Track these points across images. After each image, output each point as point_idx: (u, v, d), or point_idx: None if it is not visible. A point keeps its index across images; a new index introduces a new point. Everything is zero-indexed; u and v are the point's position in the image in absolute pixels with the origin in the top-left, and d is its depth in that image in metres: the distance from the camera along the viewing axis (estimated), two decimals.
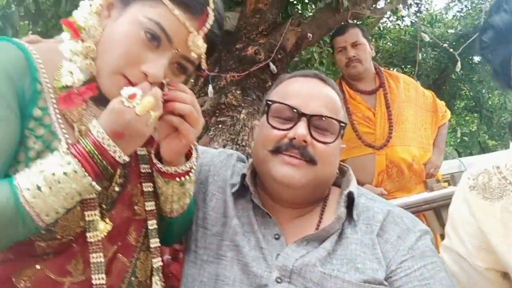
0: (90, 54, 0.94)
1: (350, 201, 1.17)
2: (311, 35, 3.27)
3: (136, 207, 1.06)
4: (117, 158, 0.89)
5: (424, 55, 8.84)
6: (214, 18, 0.97)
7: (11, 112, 0.86)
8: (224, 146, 2.85)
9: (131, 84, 0.91)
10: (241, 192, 1.22)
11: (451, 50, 3.67)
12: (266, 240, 1.13)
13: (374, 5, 3.45)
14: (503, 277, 1.21)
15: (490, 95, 10.92)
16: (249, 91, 3.12)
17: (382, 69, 2.93)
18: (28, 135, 0.89)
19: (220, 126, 2.93)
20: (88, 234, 0.94)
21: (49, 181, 0.83)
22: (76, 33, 0.94)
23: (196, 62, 0.99)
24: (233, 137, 2.90)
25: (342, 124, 1.18)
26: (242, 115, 2.96)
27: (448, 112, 3.00)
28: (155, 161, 1.05)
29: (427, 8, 11.04)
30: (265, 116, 1.19)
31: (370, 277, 1.04)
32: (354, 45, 2.79)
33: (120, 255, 1.02)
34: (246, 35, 3.24)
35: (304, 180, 1.11)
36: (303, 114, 1.13)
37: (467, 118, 10.38)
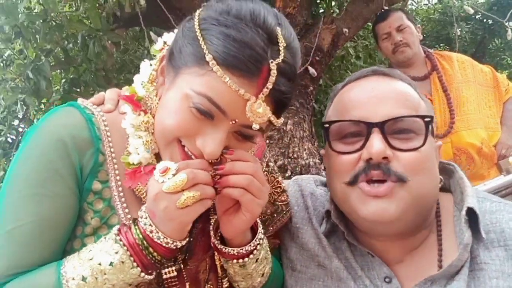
0: (151, 129, 0.86)
1: (472, 216, 0.93)
2: (347, 29, 3.10)
3: (207, 286, 0.96)
4: (169, 246, 0.81)
5: (459, 30, 8.48)
6: (280, 73, 0.80)
7: (67, 188, 0.84)
8: (275, 162, 2.69)
9: (185, 154, 0.83)
10: (330, 229, 1.04)
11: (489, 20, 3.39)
12: (375, 285, 0.94)
13: None
14: None
15: None
16: (292, 99, 2.96)
17: (432, 51, 2.74)
18: (87, 209, 0.87)
19: (268, 141, 2.78)
20: None
21: (95, 271, 0.79)
22: (136, 106, 0.89)
23: (263, 128, 0.85)
24: (283, 150, 2.75)
25: (427, 119, 0.94)
26: (288, 126, 2.80)
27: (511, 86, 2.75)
28: (213, 239, 0.93)
29: None
30: (327, 143, 1.00)
31: None
32: (399, 29, 2.66)
33: None
34: None
35: (401, 208, 0.90)
36: (373, 124, 0.92)
37: None
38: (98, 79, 3.42)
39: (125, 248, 0.80)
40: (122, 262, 0.79)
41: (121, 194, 0.88)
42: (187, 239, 0.86)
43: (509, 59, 10.75)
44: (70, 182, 0.85)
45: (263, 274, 0.98)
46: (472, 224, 0.92)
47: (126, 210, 0.88)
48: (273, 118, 0.83)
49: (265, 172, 1.06)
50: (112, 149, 0.89)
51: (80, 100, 0.94)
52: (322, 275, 1.00)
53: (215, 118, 0.80)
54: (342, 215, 1.01)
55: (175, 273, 0.90)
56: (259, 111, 0.79)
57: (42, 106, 3.54)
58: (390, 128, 0.92)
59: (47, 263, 0.83)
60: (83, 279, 0.79)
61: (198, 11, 0.85)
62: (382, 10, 2.97)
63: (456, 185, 1.01)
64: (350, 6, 3.17)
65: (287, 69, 0.81)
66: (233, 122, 0.80)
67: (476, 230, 0.92)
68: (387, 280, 0.94)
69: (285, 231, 1.10)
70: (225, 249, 0.91)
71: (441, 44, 9.67)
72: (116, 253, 0.80)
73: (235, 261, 0.92)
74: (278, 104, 0.83)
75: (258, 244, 0.93)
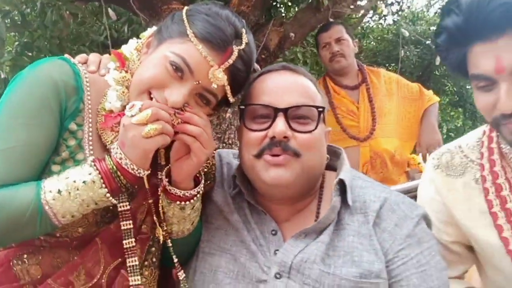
0: (126, 84, 1.05)
1: (344, 187, 1.16)
2: (293, 34, 3.37)
3: (143, 226, 1.12)
4: (134, 172, 0.98)
5: (407, 52, 8.95)
6: (239, 56, 1.04)
7: (53, 121, 1.01)
8: None
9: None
10: (237, 191, 1.24)
11: (434, 46, 3.76)
12: (264, 236, 1.16)
13: (354, 3, 3.55)
14: (468, 250, 1.30)
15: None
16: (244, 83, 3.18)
17: (365, 66, 3.04)
18: (61, 143, 1.03)
19: None
20: (124, 241, 1.05)
21: (69, 187, 0.95)
22: (123, 64, 1.09)
23: (219, 95, 1.06)
24: (220, 135, 2.99)
25: (320, 109, 1.16)
26: (228, 114, 3.04)
27: (435, 97, 3.06)
28: (164, 180, 1.09)
29: (408, 6, 11.23)
30: (241, 121, 1.19)
31: (366, 270, 1.06)
32: (338, 40, 2.90)
33: (123, 271, 1.08)
34: None
35: (293, 176, 1.10)
36: (279, 109, 1.11)
37: (452, 113, 10.55)
38: (52, 46, 3.51)
39: (97, 171, 0.96)
40: (93, 181, 0.95)
41: (90, 138, 1.05)
42: (149, 171, 1.01)
43: (450, 86, 11.40)
44: (57, 117, 1.00)
45: (192, 223, 1.15)
46: (342, 194, 1.15)
47: (91, 152, 1.04)
48: (228, 90, 1.05)
49: None
50: (89, 101, 1.06)
51: (68, 56, 1.10)
52: (225, 225, 1.22)
53: (184, 76, 1.00)
54: (246, 181, 1.23)
55: (128, 207, 1.05)
56: (219, 76, 1.01)
57: None
58: (292, 114, 1.12)
59: (29, 181, 0.97)
60: (59, 191, 0.94)
61: (186, 7, 1.09)
62: (327, 22, 3.24)
63: (340, 164, 1.26)
64: (300, 14, 3.46)
65: (245, 57, 1.06)
66: (197, 82, 1.01)
67: (345, 199, 1.15)
68: (273, 232, 1.16)
69: (206, 193, 1.29)
70: (173, 190, 1.08)
71: (392, 64, 10.06)
72: (90, 174, 0.96)
73: (177, 203, 1.08)
74: (234, 79, 1.06)
75: (198, 192, 1.10)
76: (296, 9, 3.82)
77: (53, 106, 1.00)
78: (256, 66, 3.22)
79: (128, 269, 1.06)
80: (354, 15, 4.52)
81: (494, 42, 0.99)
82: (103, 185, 0.96)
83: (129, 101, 1.04)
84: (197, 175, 1.12)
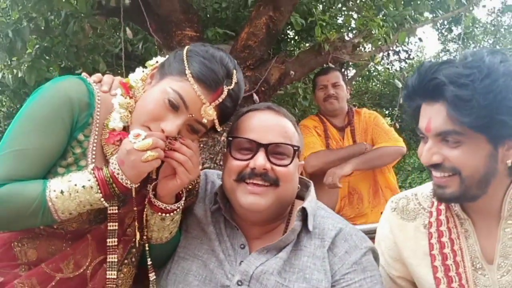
0: (130, 109, 1.23)
1: (306, 214, 1.32)
2: (293, 72, 3.62)
3: (128, 229, 1.27)
4: (126, 185, 1.14)
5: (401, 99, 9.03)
6: (228, 95, 1.20)
7: (64, 131, 1.16)
8: (203, 164, 3.12)
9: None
10: (216, 207, 1.41)
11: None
12: (233, 248, 1.33)
13: (353, 52, 3.81)
14: (412, 285, 1.46)
15: None
16: (232, 117, 3.39)
17: (354, 108, 3.27)
18: (68, 150, 1.19)
19: (201, 145, 3.21)
20: (108, 240, 1.21)
21: (70, 189, 1.11)
22: (127, 91, 1.26)
23: (208, 126, 1.22)
24: (212, 156, 3.18)
25: (296, 148, 1.32)
26: (222, 138, 3.24)
27: (398, 143, 3.08)
28: (150, 193, 1.25)
29: (417, 55, 11.48)
30: (228, 149, 1.33)
31: (314, 286, 1.23)
32: (335, 85, 3.15)
33: (106, 265, 1.22)
34: None
35: (268, 204, 1.27)
36: (261, 145, 1.27)
37: None
38: (69, 53, 3.72)
39: (95, 178, 1.12)
40: (91, 187, 1.12)
41: (94, 148, 1.20)
42: (137, 184, 1.17)
43: None
44: (68, 128, 1.16)
45: (171, 232, 1.30)
46: (304, 220, 1.32)
47: (93, 160, 1.19)
48: (217, 122, 1.21)
49: None
50: (98, 117, 1.21)
51: (84, 75, 1.27)
52: (201, 235, 1.36)
53: (179, 110, 1.16)
54: (225, 198, 1.36)
55: (116, 211, 1.21)
56: (209, 112, 1.17)
57: (11, 63, 3.79)
58: (271, 150, 1.28)
59: (36, 179, 1.13)
60: (61, 192, 1.10)
61: (187, 47, 1.25)
62: (326, 66, 3.49)
63: (307, 195, 1.40)
64: (302, 54, 3.72)
65: (233, 95, 1.22)
66: (191, 115, 1.16)
67: (306, 225, 1.31)
68: (241, 246, 1.32)
69: (188, 206, 1.46)
70: (157, 202, 1.23)
71: (396, 108, 10.19)
72: (89, 180, 1.12)
73: (159, 214, 1.24)
74: (222, 113, 1.22)
75: (178, 207, 1.26)
76: (299, 49, 4.06)
77: (65, 118, 1.16)
78: (255, 97, 3.47)
79: (108, 264, 1.21)
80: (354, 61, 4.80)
81: (431, 106, 1.18)
82: (99, 191, 1.13)
83: (130, 123, 1.21)
84: (180, 192, 1.28)
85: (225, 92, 1.20)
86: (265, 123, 1.33)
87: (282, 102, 5.22)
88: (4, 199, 1.08)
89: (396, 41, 3.85)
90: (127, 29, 3.39)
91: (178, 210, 1.27)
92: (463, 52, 1.29)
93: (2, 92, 5.17)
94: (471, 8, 5.67)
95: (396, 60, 8.59)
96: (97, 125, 1.21)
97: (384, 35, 3.66)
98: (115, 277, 1.21)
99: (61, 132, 1.16)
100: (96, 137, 1.21)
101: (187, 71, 1.17)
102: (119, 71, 3.71)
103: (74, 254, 1.19)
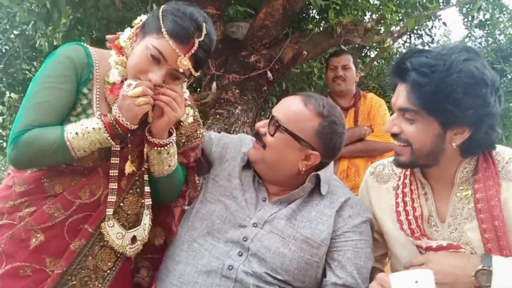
0: (123, 64, 1.44)
1: (319, 180, 1.55)
2: (306, 52, 3.82)
3: (133, 164, 1.46)
4: (127, 126, 1.35)
5: None
6: (199, 46, 1.37)
7: (72, 86, 1.40)
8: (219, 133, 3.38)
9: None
10: (249, 165, 1.65)
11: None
12: (257, 199, 1.58)
13: (364, 35, 3.98)
14: (383, 238, 1.70)
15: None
16: (247, 91, 3.68)
17: (362, 92, 3.46)
18: (77, 102, 1.43)
19: (217, 117, 3.49)
20: (110, 171, 1.41)
21: (83, 131, 1.34)
22: (119, 51, 1.47)
23: (187, 73, 1.41)
24: (227, 127, 3.45)
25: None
26: (237, 111, 3.51)
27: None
28: (146, 134, 1.44)
29: (443, 40, 11.23)
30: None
31: (316, 234, 1.46)
32: (344, 67, 3.33)
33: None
34: (252, 45, 3.78)
35: (256, 158, 1.56)
36: (273, 117, 1.54)
37: None
38: (100, 25, 4.00)
39: (102, 122, 1.34)
40: (99, 128, 1.33)
41: (97, 98, 1.43)
42: (136, 125, 1.37)
43: None
44: (74, 84, 1.39)
45: (169, 165, 1.49)
46: (317, 184, 1.56)
47: (98, 108, 1.42)
48: (192, 70, 1.39)
49: (194, 118, 1.63)
50: (97, 73, 1.43)
51: (83, 43, 1.50)
52: (226, 185, 1.60)
53: (160, 63, 1.35)
54: None
55: (119, 148, 1.42)
56: (184, 63, 1.35)
57: (47, 32, 4.10)
58: (273, 122, 1.55)
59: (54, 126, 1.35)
60: (76, 133, 1.32)
61: (162, 6, 1.40)
62: (339, 48, 3.67)
63: (325, 167, 1.60)
64: (315, 36, 3.91)
65: (204, 46, 1.38)
66: (169, 66, 1.35)
67: (319, 189, 1.55)
68: (263, 199, 1.57)
69: (218, 161, 1.70)
70: (152, 139, 1.42)
71: None
72: (97, 123, 1.34)
73: (155, 148, 1.43)
74: (196, 63, 1.39)
75: (170, 142, 1.44)
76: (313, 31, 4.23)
77: (71, 75, 1.39)
78: (269, 74, 3.71)
79: (109, 190, 1.42)
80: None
81: (400, 85, 1.38)
82: (106, 131, 1.34)
83: (126, 76, 1.42)
84: (170, 130, 1.46)
85: (197, 44, 1.37)
86: (286, 103, 1.60)
87: (298, 80, 5.41)
88: (30, 140, 1.31)
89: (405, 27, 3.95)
90: (153, 4, 3.62)
91: (170, 144, 1.46)
92: (447, 45, 1.46)
93: (35, 58, 5.54)
94: None
95: (420, 44, 8.60)
96: (98, 80, 1.44)
97: (397, 20, 3.78)
98: (114, 200, 1.42)
99: (70, 87, 1.39)
100: (98, 90, 1.44)
101: (163, 29, 1.35)
102: None
103: (89, 184, 1.41)
